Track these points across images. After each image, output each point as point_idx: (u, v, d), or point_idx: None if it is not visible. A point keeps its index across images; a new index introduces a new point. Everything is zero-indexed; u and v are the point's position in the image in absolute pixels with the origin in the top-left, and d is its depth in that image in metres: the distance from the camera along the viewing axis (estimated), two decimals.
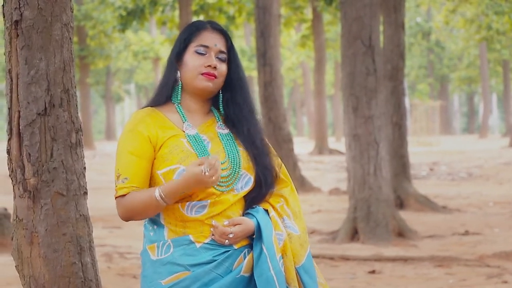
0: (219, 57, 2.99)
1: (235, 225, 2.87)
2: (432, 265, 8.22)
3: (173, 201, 2.83)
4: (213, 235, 2.87)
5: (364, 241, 9.76)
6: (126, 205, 2.87)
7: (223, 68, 2.98)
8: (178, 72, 2.99)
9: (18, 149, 3.12)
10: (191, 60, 2.97)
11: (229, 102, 3.03)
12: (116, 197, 2.89)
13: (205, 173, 2.75)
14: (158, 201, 2.81)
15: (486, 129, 49.41)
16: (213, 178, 2.76)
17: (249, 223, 2.89)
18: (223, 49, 3.00)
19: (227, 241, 2.86)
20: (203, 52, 2.97)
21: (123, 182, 2.87)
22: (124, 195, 2.87)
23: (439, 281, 7.40)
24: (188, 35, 3.01)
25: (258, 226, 2.89)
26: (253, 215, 2.92)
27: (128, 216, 2.89)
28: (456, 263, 8.25)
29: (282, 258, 2.89)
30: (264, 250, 2.85)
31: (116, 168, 2.90)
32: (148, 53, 45.52)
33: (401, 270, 8.00)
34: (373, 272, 7.89)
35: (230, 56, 3.02)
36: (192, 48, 2.98)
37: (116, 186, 2.89)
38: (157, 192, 2.82)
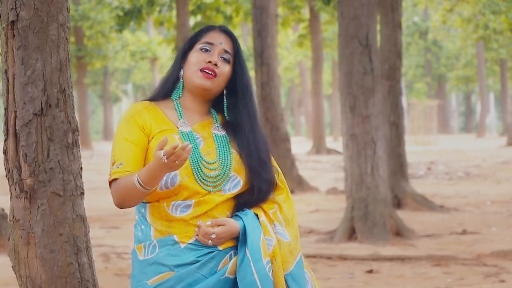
0: (223, 57, 2.97)
1: (219, 225, 2.85)
2: (430, 264, 8.21)
3: (153, 185, 2.77)
4: (197, 235, 2.85)
5: (362, 240, 9.75)
6: (116, 189, 2.84)
7: (225, 68, 2.96)
8: (182, 70, 3.00)
9: (14, 149, 3.11)
10: (194, 57, 2.97)
11: (232, 107, 3.00)
12: (110, 182, 2.86)
13: (164, 160, 2.68)
14: (137, 186, 2.77)
15: (484, 128, 49.48)
16: (177, 162, 2.69)
17: (233, 224, 2.86)
18: (228, 49, 2.98)
19: (210, 241, 2.84)
20: (207, 49, 2.96)
21: (118, 167, 2.85)
22: (117, 179, 2.84)
23: (436, 280, 7.40)
24: (196, 35, 3.02)
25: (244, 229, 2.86)
26: (240, 218, 2.89)
27: (119, 201, 2.85)
28: (453, 262, 8.25)
29: (271, 263, 2.85)
30: (248, 254, 2.82)
31: (112, 155, 2.89)
32: (146, 53, 45.54)
33: (398, 270, 7.99)
34: (370, 271, 7.88)
35: (236, 60, 3.00)
36: (197, 46, 2.99)
37: (111, 171, 2.87)
38: (136, 176, 2.79)
